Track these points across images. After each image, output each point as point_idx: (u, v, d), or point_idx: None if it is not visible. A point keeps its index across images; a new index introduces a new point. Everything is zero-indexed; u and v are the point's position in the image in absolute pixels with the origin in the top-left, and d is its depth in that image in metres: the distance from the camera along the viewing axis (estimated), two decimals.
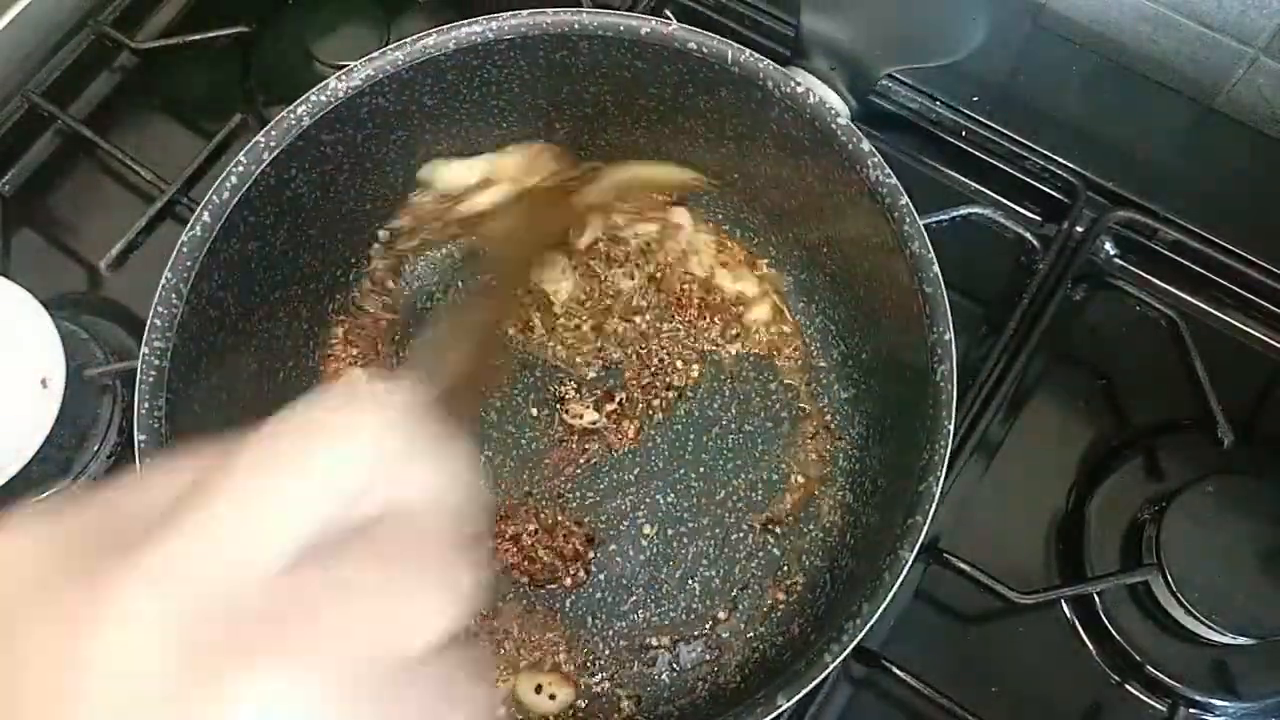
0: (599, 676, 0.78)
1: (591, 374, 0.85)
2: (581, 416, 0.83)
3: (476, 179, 0.82)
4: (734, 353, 0.86)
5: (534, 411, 0.84)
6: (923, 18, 0.78)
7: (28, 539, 0.31)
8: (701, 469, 0.83)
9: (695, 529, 0.81)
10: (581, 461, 0.83)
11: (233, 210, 0.69)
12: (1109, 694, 0.78)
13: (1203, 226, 0.87)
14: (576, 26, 0.73)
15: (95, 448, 0.83)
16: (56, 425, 0.76)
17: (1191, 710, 0.77)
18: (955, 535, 0.81)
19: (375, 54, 0.72)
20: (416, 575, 0.33)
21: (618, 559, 0.80)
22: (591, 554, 0.80)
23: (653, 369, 0.85)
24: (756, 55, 0.72)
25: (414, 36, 0.73)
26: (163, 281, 0.67)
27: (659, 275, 0.87)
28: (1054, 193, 0.91)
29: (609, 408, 0.84)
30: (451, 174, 0.82)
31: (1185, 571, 0.74)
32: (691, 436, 0.84)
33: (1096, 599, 0.79)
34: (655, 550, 0.81)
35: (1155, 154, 0.93)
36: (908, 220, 0.69)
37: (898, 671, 0.75)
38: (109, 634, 0.27)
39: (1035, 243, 0.88)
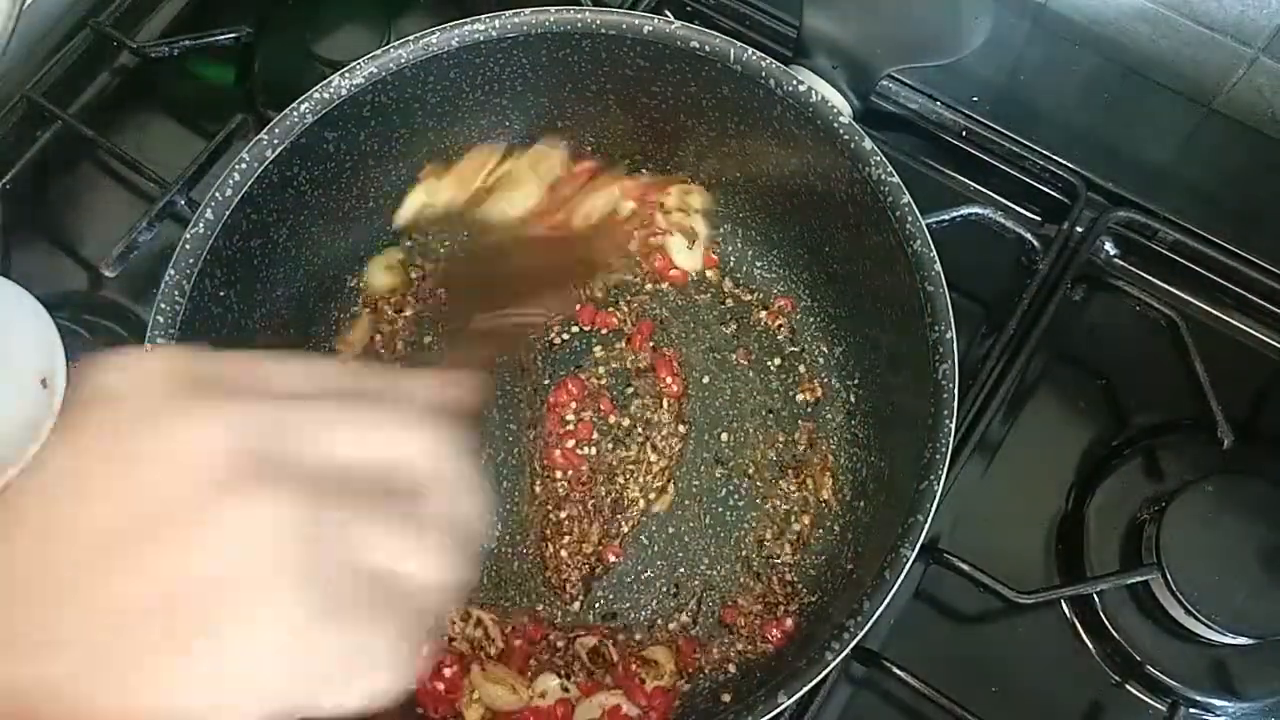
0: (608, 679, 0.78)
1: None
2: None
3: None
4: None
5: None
6: (924, 17, 0.78)
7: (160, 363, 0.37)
8: (703, 467, 0.83)
9: (697, 527, 0.81)
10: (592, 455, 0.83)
11: (235, 208, 0.69)
12: (1109, 694, 0.78)
13: (1202, 226, 0.87)
14: (579, 25, 0.74)
15: None
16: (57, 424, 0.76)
17: (1191, 710, 0.77)
18: (955, 535, 0.81)
19: (378, 51, 0.73)
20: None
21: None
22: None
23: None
24: (759, 54, 0.72)
25: (417, 34, 0.73)
26: (165, 279, 0.67)
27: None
28: (1054, 193, 0.91)
29: (625, 422, 0.84)
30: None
31: (1185, 571, 0.74)
32: (693, 435, 0.84)
33: (1096, 599, 0.79)
34: (656, 544, 0.81)
35: (1155, 154, 0.93)
36: (909, 219, 0.69)
37: (898, 671, 0.75)
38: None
39: (1035, 243, 0.88)
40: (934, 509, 0.64)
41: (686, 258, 0.87)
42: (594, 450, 0.83)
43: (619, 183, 0.83)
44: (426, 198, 0.82)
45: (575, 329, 0.87)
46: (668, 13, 0.98)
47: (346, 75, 0.72)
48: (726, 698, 0.75)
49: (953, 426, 0.65)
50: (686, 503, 0.82)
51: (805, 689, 0.62)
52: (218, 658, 0.33)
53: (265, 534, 0.33)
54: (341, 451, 0.37)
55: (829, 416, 0.83)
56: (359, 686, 0.36)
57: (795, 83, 0.72)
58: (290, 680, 0.34)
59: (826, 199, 0.77)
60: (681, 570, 0.80)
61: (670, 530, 0.81)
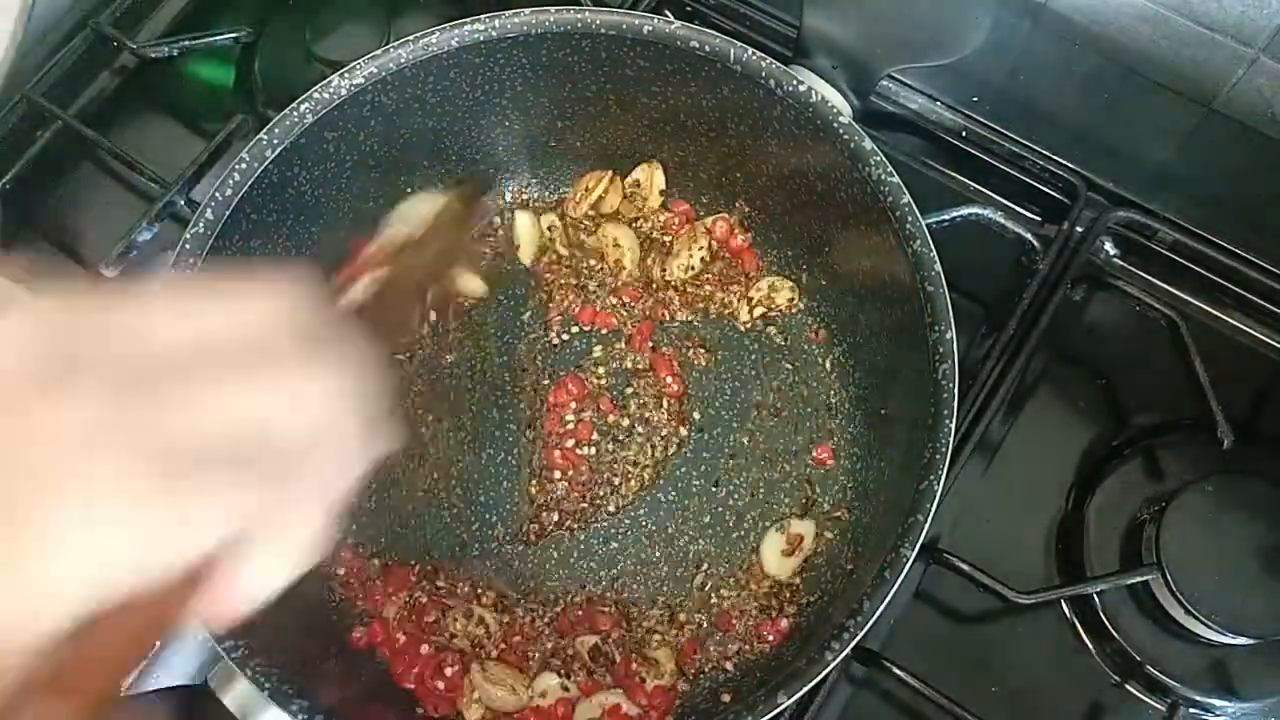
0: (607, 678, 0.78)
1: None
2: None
3: None
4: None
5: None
6: (924, 17, 0.78)
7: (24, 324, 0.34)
8: (704, 467, 0.83)
9: (698, 527, 0.81)
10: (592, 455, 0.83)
11: (235, 207, 0.69)
12: (1109, 694, 0.78)
13: (1202, 227, 0.87)
14: (579, 25, 0.74)
15: None
16: None
17: (1191, 710, 0.77)
18: (955, 535, 0.81)
19: (378, 52, 0.73)
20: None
21: (617, 557, 0.81)
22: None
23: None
24: (759, 54, 0.72)
25: (417, 34, 0.73)
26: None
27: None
28: (1054, 193, 0.91)
29: (624, 422, 0.84)
30: None
31: (1185, 571, 0.74)
32: (694, 436, 0.84)
33: (1096, 599, 0.79)
34: (657, 546, 0.81)
35: (1155, 154, 0.93)
36: (909, 219, 0.69)
37: (898, 671, 0.75)
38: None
39: (1035, 243, 0.88)
40: (934, 509, 0.64)
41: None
42: (593, 450, 0.83)
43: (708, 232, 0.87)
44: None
45: (575, 329, 0.87)
46: (667, 13, 0.98)
47: (346, 75, 0.72)
48: (726, 698, 0.75)
49: (953, 426, 0.65)
50: (686, 503, 0.82)
51: (805, 689, 0.62)
52: (49, 539, 0.32)
53: (74, 432, 0.33)
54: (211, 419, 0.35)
55: (828, 417, 0.83)
56: (253, 557, 0.36)
57: (795, 83, 0.72)
58: (143, 545, 0.33)
59: (826, 199, 0.77)
60: (681, 570, 0.80)
61: (670, 530, 0.81)
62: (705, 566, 0.80)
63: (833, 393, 0.84)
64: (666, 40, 0.73)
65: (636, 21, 0.73)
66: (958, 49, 0.77)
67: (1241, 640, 0.74)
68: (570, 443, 0.83)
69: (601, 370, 0.86)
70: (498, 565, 0.80)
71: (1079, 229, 0.88)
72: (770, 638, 0.77)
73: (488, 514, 0.82)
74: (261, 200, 0.72)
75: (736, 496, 0.82)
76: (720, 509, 0.82)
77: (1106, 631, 0.78)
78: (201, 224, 0.69)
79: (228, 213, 0.69)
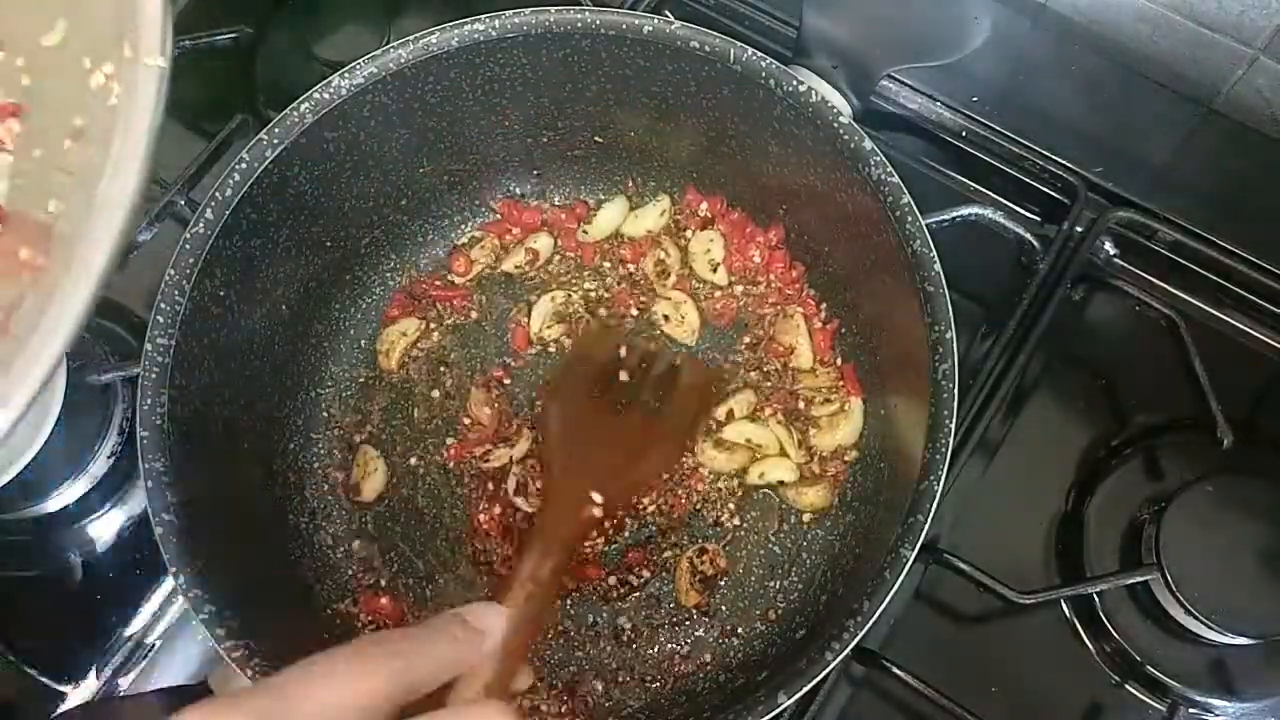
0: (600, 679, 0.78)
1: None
2: None
3: None
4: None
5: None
6: (924, 18, 0.78)
7: None
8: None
9: (700, 526, 0.81)
10: None
11: (235, 207, 0.69)
12: (1108, 694, 0.78)
13: (1202, 227, 0.87)
14: (579, 25, 0.74)
15: (96, 447, 0.83)
16: (57, 425, 0.76)
17: (1191, 710, 0.77)
18: (955, 535, 0.81)
19: (378, 52, 0.73)
20: None
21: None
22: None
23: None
24: (759, 54, 0.72)
25: (417, 34, 0.73)
26: (165, 278, 0.67)
27: None
28: (1054, 193, 0.91)
29: None
30: None
31: (1185, 571, 0.74)
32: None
33: (1096, 599, 0.79)
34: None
35: (1155, 154, 0.93)
36: (909, 219, 0.69)
37: (897, 671, 0.75)
38: None
39: (1035, 243, 0.88)
40: (934, 509, 0.64)
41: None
42: None
43: None
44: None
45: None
46: (667, 13, 0.98)
47: (346, 75, 0.72)
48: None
49: (953, 426, 0.65)
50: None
51: (805, 689, 0.62)
52: None
53: None
54: None
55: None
56: None
57: (795, 83, 0.72)
58: None
59: (826, 199, 0.77)
60: None
61: None
62: None
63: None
64: (666, 40, 0.73)
65: (636, 22, 0.73)
66: (957, 49, 0.77)
67: (1241, 640, 0.74)
68: None
69: None
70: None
71: (1079, 229, 0.88)
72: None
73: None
74: (262, 200, 0.72)
75: (738, 497, 0.82)
76: None
77: (1106, 631, 0.78)
78: (201, 224, 0.68)
79: (228, 212, 0.69)
